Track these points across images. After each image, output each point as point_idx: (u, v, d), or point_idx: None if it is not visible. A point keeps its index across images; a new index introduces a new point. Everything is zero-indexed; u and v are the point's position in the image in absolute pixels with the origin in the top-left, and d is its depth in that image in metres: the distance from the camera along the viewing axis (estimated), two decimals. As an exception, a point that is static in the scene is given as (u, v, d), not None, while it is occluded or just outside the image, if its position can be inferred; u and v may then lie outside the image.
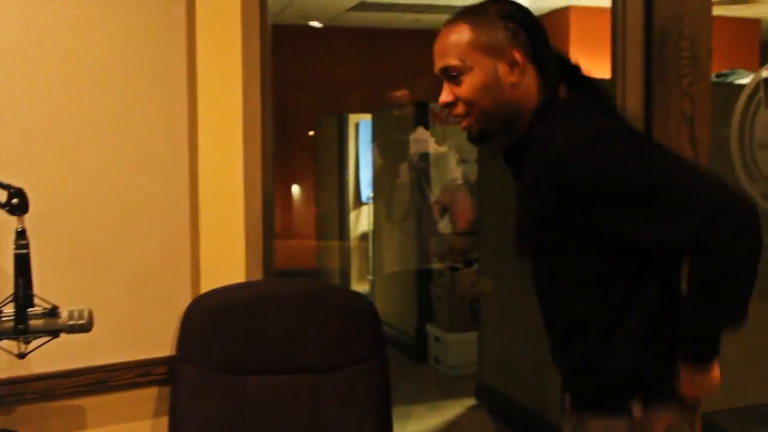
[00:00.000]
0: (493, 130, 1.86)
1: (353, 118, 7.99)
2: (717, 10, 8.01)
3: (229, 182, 2.45)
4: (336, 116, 8.10)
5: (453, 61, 1.83)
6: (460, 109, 1.86)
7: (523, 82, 1.84)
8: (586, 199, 1.69)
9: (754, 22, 9.53)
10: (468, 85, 1.82)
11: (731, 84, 3.89)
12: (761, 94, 2.70)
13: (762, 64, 7.78)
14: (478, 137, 1.88)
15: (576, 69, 1.93)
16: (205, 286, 2.43)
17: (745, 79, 4.03)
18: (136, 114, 2.34)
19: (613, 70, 2.58)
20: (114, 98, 2.31)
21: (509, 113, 1.84)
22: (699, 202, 1.62)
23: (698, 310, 1.68)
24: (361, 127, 7.90)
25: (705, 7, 2.54)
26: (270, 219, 2.53)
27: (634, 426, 1.78)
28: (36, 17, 2.22)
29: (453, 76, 1.84)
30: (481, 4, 1.89)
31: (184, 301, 2.38)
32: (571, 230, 1.75)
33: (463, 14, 1.87)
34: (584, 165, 1.68)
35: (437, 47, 1.88)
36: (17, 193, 1.89)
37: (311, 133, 9.04)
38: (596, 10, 8.14)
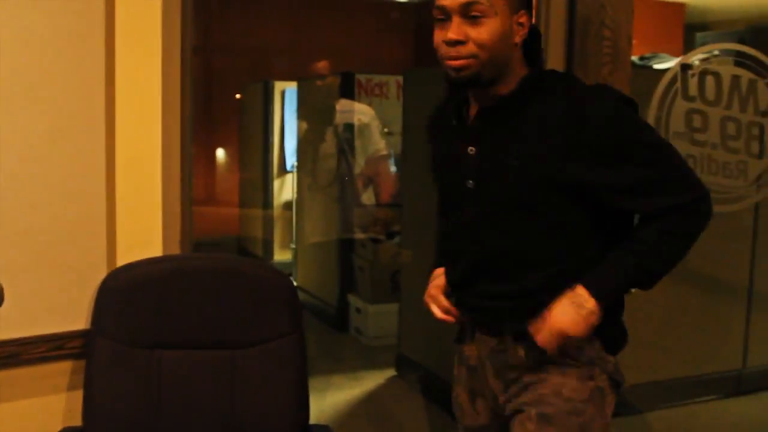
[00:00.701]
0: (484, 78, 1.90)
1: (279, 86, 7.92)
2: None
3: (146, 154, 2.41)
4: (262, 83, 8.02)
5: (482, 1, 1.84)
6: (468, 48, 1.86)
7: (519, 45, 1.93)
8: (604, 155, 1.83)
9: (679, 6, 9.71)
10: (487, 29, 1.85)
11: (652, 68, 3.97)
12: (679, 83, 2.76)
13: (685, 48, 7.93)
14: (467, 80, 1.89)
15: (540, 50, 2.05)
16: (122, 260, 2.40)
17: (668, 63, 4.11)
18: (51, 80, 2.28)
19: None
20: (28, 63, 2.25)
21: (502, 69, 1.91)
22: (693, 182, 1.89)
23: (646, 255, 1.88)
24: (287, 95, 7.84)
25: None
26: (188, 193, 2.50)
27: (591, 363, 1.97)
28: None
29: (474, 15, 1.84)
30: None
31: (100, 274, 2.35)
32: (571, 184, 1.86)
33: None
34: (621, 121, 1.85)
35: None
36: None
37: (238, 96, 8.93)
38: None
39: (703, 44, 5.14)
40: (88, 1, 2.32)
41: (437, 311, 2.13)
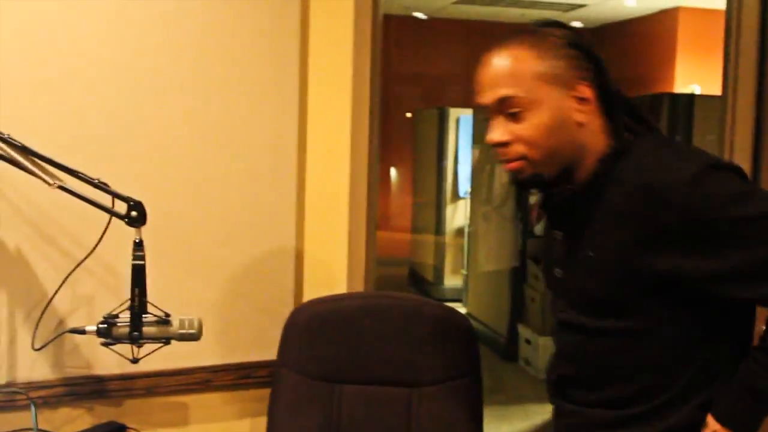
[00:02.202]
0: (548, 176, 1.61)
1: (454, 113, 8.00)
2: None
3: (335, 196, 2.52)
4: (437, 109, 8.12)
5: (514, 92, 1.56)
6: (516, 149, 1.59)
7: (591, 121, 1.60)
8: (693, 238, 1.48)
9: None
10: (531, 123, 1.56)
11: None
12: None
13: None
14: (527, 182, 1.63)
15: (633, 106, 1.69)
16: (308, 295, 2.51)
17: None
18: (247, 125, 2.43)
19: (724, 105, 2.52)
20: (227, 108, 2.40)
21: (572, 157, 1.61)
22: None
23: None
24: (462, 122, 7.91)
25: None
26: (373, 234, 2.59)
27: None
28: (164, 42, 2.32)
29: (511, 112, 1.58)
30: (538, 29, 1.64)
31: (288, 308, 2.46)
32: (657, 280, 1.53)
33: (520, 39, 1.61)
34: (703, 195, 1.48)
35: (487, 75, 1.61)
36: (136, 205, 1.99)
37: (409, 114, 9.06)
38: (707, 12, 7.96)
39: None
40: (284, 41, 2.45)
41: None
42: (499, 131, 1.60)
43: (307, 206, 2.52)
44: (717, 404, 1.57)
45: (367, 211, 2.56)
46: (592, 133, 1.61)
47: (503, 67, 1.59)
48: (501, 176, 6.31)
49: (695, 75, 7.73)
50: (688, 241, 1.49)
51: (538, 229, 6.17)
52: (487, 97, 1.60)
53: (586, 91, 1.59)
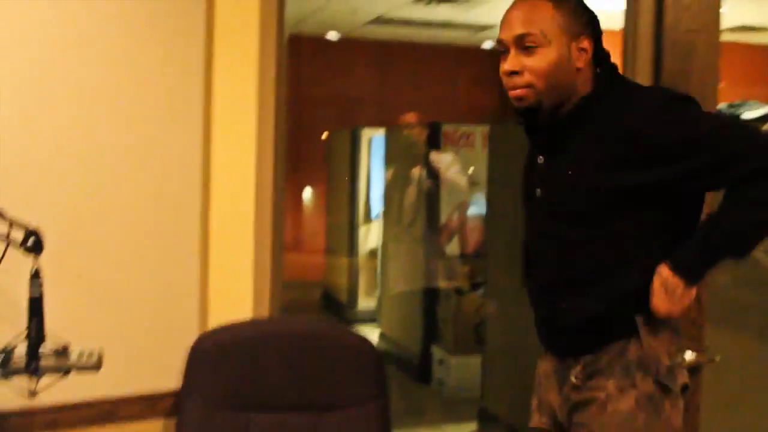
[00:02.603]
0: (545, 105, 1.95)
1: (366, 133, 8.03)
2: (730, 37, 7.99)
3: (239, 221, 2.50)
4: (349, 130, 8.14)
5: (534, 31, 1.91)
6: (524, 78, 1.93)
7: (585, 69, 1.98)
8: (662, 155, 1.87)
9: (768, 49, 9.58)
10: (542, 58, 1.92)
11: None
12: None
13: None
14: (528, 108, 1.96)
15: (615, 67, 2.07)
16: (214, 321, 2.48)
17: (758, 112, 4.06)
18: (150, 148, 2.39)
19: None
20: (129, 132, 2.37)
21: (565, 93, 1.97)
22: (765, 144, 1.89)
23: (731, 223, 1.90)
24: (374, 143, 7.94)
25: (713, 65, 2.57)
26: (279, 258, 2.58)
27: (645, 354, 1.94)
28: (65, 67, 2.28)
29: (528, 46, 1.92)
30: None
31: (192, 335, 2.42)
32: (626, 191, 1.89)
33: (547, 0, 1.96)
34: (671, 120, 1.89)
35: (515, 15, 1.95)
36: (33, 233, 1.95)
37: (324, 135, 9.07)
38: (618, 36, 8.14)
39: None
40: (187, 67, 2.43)
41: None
42: (513, 61, 1.94)
43: (212, 231, 2.49)
44: (671, 257, 1.91)
45: (272, 235, 2.54)
46: (583, 78, 1.98)
47: (527, 11, 1.94)
48: (410, 195, 6.36)
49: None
50: (657, 158, 1.87)
51: (450, 248, 6.24)
52: (509, 33, 1.94)
53: (586, 44, 1.97)
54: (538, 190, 2.06)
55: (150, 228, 2.40)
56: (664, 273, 1.91)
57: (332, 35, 9.65)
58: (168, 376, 2.42)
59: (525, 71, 1.93)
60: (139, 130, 2.38)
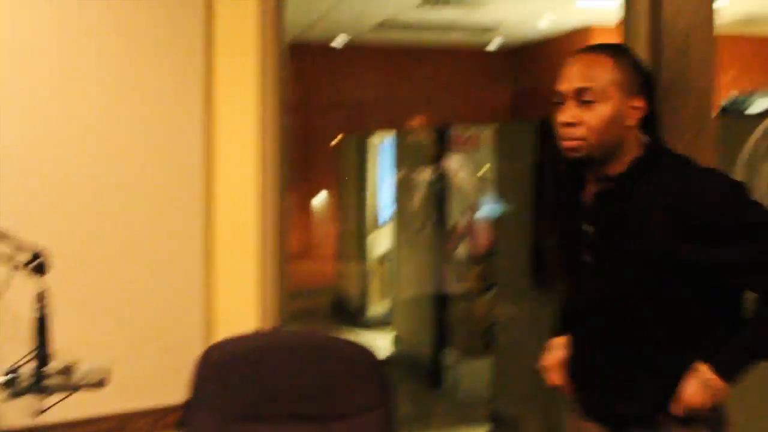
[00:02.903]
0: (595, 160, 2.02)
1: (375, 138, 8.04)
2: (732, 30, 7.94)
3: (244, 233, 2.53)
4: (356, 136, 8.16)
5: (593, 86, 1.98)
6: (579, 131, 1.99)
7: (634, 128, 2.03)
8: (718, 234, 1.92)
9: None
10: (598, 113, 1.98)
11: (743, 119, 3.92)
12: (764, 146, 2.74)
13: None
14: (579, 161, 2.03)
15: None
16: (221, 334, 2.50)
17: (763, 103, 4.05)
18: (152, 162, 2.43)
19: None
20: (133, 147, 2.40)
21: (615, 151, 2.02)
22: None
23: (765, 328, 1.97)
24: (383, 148, 7.95)
25: (708, 61, 2.59)
26: (284, 269, 2.60)
27: None
28: (68, 87, 2.32)
29: (586, 100, 1.99)
30: (621, 46, 2.19)
31: (198, 348, 2.45)
32: (682, 264, 1.94)
33: (607, 49, 2.06)
34: (733, 201, 1.95)
35: (576, 68, 2.03)
36: (38, 254, 1.98)
37: (334, 142, 9.10)
38: (617, 31, 8.14)
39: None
40: (190, 81, 2.46)
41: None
42: (570, 114, 2.00)
43: (216, 244, 2.53)
44: (714, 358, 1.95)
45: (277, 245, 2.57)
46: (632, 137, 2.04)
47: (587, 65, 2.02)
48: (420, 199, 6.37)
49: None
50: (713, 236, 1.91)
51: (460, 251, 6.24)
52: (569, 85, 2.01)
53: (640, 104, 2.02)
54: (588, 258, 2.10)
55: (154, 244, 2.43)
56: (705, 372, 1.95)
57: (339, 41, 9.66)
58: (175, 390, 2.45)
59: (581, 124, 1.99)
60: (141, 147, 2.41)
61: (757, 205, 1.99)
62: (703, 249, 1.93)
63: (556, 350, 2.25)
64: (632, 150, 2.05)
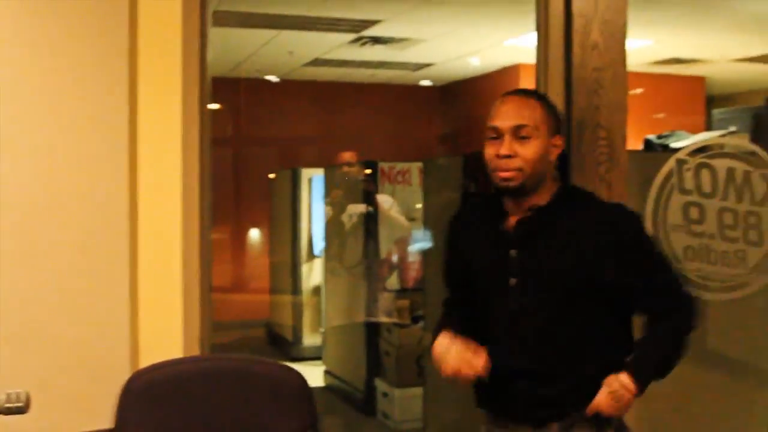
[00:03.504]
0: (527, 188, 2.26)
1: (307, 173, 8.11)
2: (663, 69, 8.23)
3: (167, 263, 2.56)
4: (290, 170, 8.22)
5: (528, 124, 2.24)
6: (516, 162, 2.23)
7: (552, 163, 2.31)
8: (632, 259, 2.25)
9: (699, 80, 9.87)
10: (533, 148, 2.24)
11: (654, 155, 4.07)
12: (674, 179, 2.86)
13: (707, 118, 8.03)
14: (513, 189, 2.26)
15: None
16: (144, 361, 2.53)
17: (684, 141, 4.20)
18: (76, 191, 2.45)
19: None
20: (56, 174, 2.42)
21: (540, 181, 2.28)
22: (687, 289, 2.41)
23: (666, 349, 2.27)
24: (315, 182, 8.02)
25: (620, 99, 2.72)
26: (207, 298, 2.64)
27: None
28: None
29: (523, 136, 2.23)
30: (539, 92, 2.52)
31: (123, 375, 2.46)
32: (600, 283, 2.23)
33: (533, 94, 2.36)
34: (642, 231, 2.38)
35: (514, 108, 2.28)
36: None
37: (271, 175, 9.14)
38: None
39: (721, 121, 5.25)
40: (113, 110, 2.49)
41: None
42: (509, 147, 2.24)
43: (141, 273, 2.55)
44: (633, 367, 2.22)
45: (200, 276, 2.61)
46: (551, 171, 2.31)
47: (521, 106, 2.28)
48: (350, 232, 6.44)
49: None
50: (628, 260, 2.24)
51: (390, 283, 6.32)
52: (507, 123, 2.25)
53: (559, 143, 2.32)
54: (513, 280, 2.29)
55: (78, 271, 2.45)
56: (624, 379, 2.20)
57: (272, 77, 9.73)
58: (100, 417, 2.46)
59: (517, 157, 2.23)
60: (65, 173, 2.44)
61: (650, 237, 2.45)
62: (620, 269, 2.22)
63: (450, 342, 2.32)
64: (550, 183, 2.32)
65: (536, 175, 2.27)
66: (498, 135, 2.27)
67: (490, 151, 2.29)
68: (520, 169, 2.24)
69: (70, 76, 2.44)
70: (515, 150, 2.24)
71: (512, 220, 2.34)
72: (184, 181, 2.58)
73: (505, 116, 2.27)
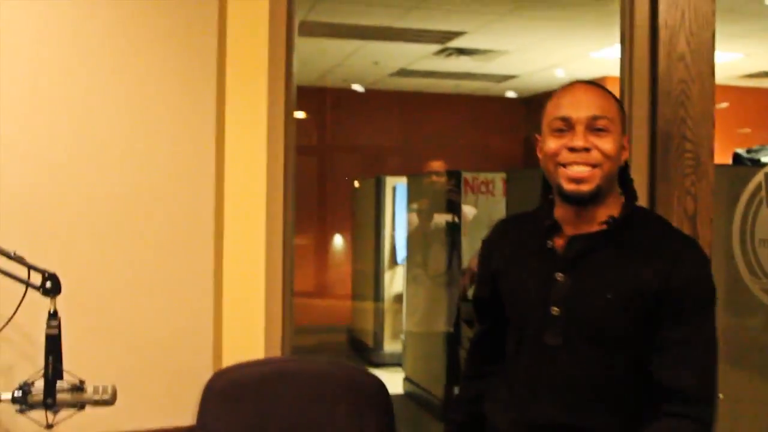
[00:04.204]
0: (602, 193, 1.93)
1: (390, 181, 8.16)
2: (753, 83, 8.07)
3: (251, 266, 2.61)
4: (374, 178, 8.28)
5: (607, 115, 1.92)
6: (595, 156, 1.90)
7: (620, 170, 2.00)
8: (680, 310, 1.88)
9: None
10: (609, 141, 1.91)
11: (743, 169, 3.99)
12: (763, 192, 2.81)
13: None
14: (589, 193, 1.92)
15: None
16: (227, 361, 2.58)
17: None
18: (163, 193, 2.52)
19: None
20: (142, 176, 2.49)
21: (611, 187, 1.98)
22: (713, 393, 1.93)
23: None
24: (398, 190, 8.06)
25: (707, 111, 2.67)
26: (289, 301, 2.68)
27: None
28: (79, 114, 2.43)
29: (600, 128, 1.91)
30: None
31: (207, 373, 2.53)
32: (647, 325, 1.89)
33: (606, 91, 1.99)
34: (706, 283, 1.93)
35: (588, 96, 1.95)
36: (51, 276, 2.08)
37: (356, 183, 9.22)
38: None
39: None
40: (201, 118, 2.56)
41: None
42: (584, 139, 1.91)
43: (225, 275, 2.61)
44: None
45: (283, 280, 2.65)
46: (615, 181, 1.99)
47: (599, 95, 1.95)
48: (434, 240, 6.45)
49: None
50: (674, 311, 1.88)
51: (470, 293, 6.29)
52: (581, 112, 1.92)
53: (627, 145, 2.01)
54: (555, 309, 1.94)
55: (166, 273, 2.52)
56: None
57: (357, 86, 9.83)
58: (182, 413, 2.52)
59: (594, 149, 1.90)
60: (154, 177, 2.51)
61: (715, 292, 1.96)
62: (665, 318, 1.88)
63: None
64: (615, 195, 2.01)
65: (611, 177, 1.95)
66: (568, 127, 1.93)
67: (556, 143, 1.94)
68: (598, 165, 1.90)
69: (160, 86, 2.52)
70: (593, 142, 1.91)
71: (561, 238, 2.00)
72: (269, 187, 2.62)
73: (579, 105, 1.93)
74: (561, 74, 8.98)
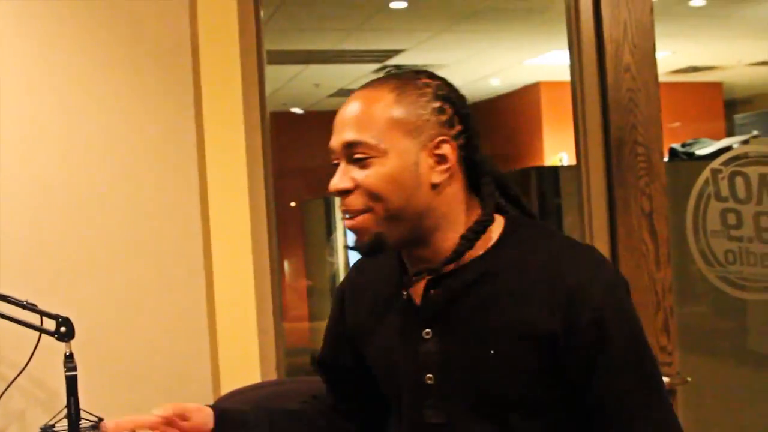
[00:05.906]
0: (394, 239, 1.40)
1: (338, 200, 8.29)
2: (681, 77, 8.39)
3: (241, 292, 2.73)
4: (323, 199, 8.42)
5: (360, 138, 1.38)
6: (357, 200, 1.39)
7: (448, 187, 1.42)
8: (594, 350, 1.36)
9: (716, 85, 10.02)
10: (376, 172, 1.37)
11: (690, 161, 4.22)
12: (710, 187, 3.02)
13: (728, 123, 8.14)
14: (370, 246, 1.39)
15: (506, 183, 1.53)
16: (225, 388, 2.70)
17: (709, 148, 4.35)
18: (155, 238, 2.62)
19: (579, 177, 2.92)
20: (136, 222, 2.60)
21: (423, 223, 1.40)
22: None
23: None
24: (348, 208, 8.21)
25: (654, 116, 2.87)
26: (280, 324, 2.81)
27: None
28: (81, 162, 2.53)
29: (357, 157, 1.39)
30: (411, 72, 1.47)
31: (209, 400, 2.64)
32: (560, 380, 1.40)
33: (388, 80, 1.44)
34: (621, 313, 1.39)
35: (343, 116, 1.43)
36: (64, 322, 2.18)
37: (293, 204, 9.30)
38: (565, 85, 8.50)
39: (742, 126, 5.39)
40: (183, 155, 2.68)
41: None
42: (339, 177, 1.41)
43: (217, 306, 2.72)
44: None
45: (272, 304, 2.78)
46: (451, 201, 1.42)
47: (356, 110, 1.41)
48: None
49: (562, 144, 8.27)
50: (588, 355, 1.37)
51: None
52: (336, 141, 1.43)
53: (448, 150, 1.40)
54: (429, 376, 1.46)
55: (162, 308, 2.63)
56: None
57: (296, 109, 9.96)
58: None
59: (356, 189, 1.39)
60: (145, 221, 2.62)
61: (638, 320, 1.42)
62: (578, 367, 1.38)
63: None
64: (461, 217, 1.43)
65: (405, 215, 1.38)
66: (337, 160, 1.44)
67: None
68: (367, 209, 1.38)
69: (142, 131, 2.63)
70: (353, 178, 1.39)
71: (418, 285, 1.46)
72: (252, 214, 2.75)
73: (336, 128, 1.44)
74: (496, 83, 9.23)
